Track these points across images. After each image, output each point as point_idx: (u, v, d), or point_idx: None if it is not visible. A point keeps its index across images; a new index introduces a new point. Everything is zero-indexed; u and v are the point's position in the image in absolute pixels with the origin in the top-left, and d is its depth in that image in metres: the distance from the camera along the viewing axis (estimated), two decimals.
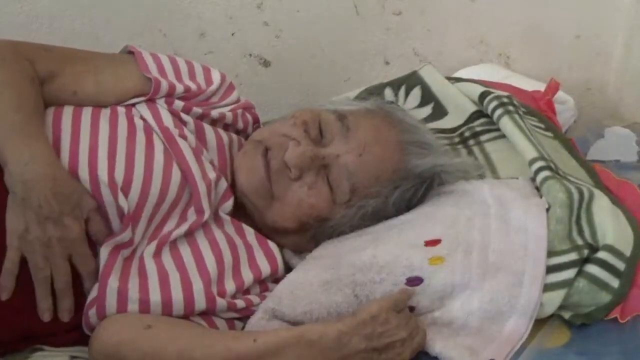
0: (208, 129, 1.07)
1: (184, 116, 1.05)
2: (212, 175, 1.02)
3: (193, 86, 1.08)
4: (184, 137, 1.02)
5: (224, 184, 1.04)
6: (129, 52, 1.10)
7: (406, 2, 1.67)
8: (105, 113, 1.02)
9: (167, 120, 1.03)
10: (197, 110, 1.07)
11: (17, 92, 0.96)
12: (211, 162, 1.04)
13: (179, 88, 1.06)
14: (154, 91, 1.04)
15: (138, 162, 0.97)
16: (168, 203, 0.98)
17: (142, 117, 1.03)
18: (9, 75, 0.97)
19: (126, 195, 0.94)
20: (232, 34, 1.62)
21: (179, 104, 1.05)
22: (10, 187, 0.90)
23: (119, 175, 0.95)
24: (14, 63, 0.99)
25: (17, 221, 0.89)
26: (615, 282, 0.97)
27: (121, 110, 1.03)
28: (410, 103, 1.36)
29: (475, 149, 1.24)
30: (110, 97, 1.04)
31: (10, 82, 0.96)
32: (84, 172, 0.94)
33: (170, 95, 1.05)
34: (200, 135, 1.06)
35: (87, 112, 1.01)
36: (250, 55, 1.65)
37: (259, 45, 1.64)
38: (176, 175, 0.99)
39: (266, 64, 1.66)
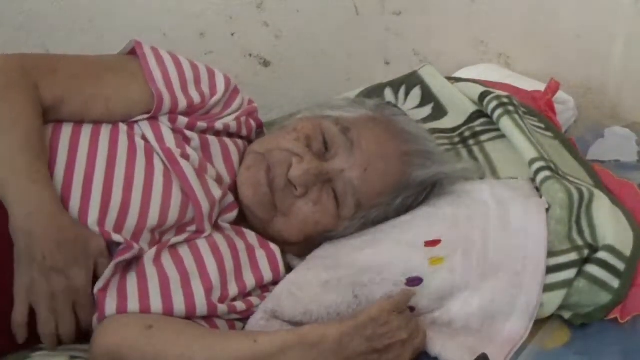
0: (213, 141, 1.06)
1: (188, 133, 1.03)
2: (217, 193, 1.01)
3: (197, 98, 1.05)
4: (187, 157, 1.00)
5: (229, 199, 1.03)
6: (133, 50, 1.07)
7: (406, 2, 1.67)
8: (105, 131, 0.99)
9: (169, 139, 1.01)
10: (202, 124, 1.05)
11: (25, 130, 0.93)
12: (217, 179, 1.03)
13: (182, 103, 1.03)
14: (156, 109, 1.01)
15: (136, 187, 0.95)
16: (169, 225, 0.98)
17: (143, 136, 1.01)
18: (18, 109, 0.94)
19: (120, 230, 0.93)
20: (232, 34, 1.62)
21: (182, 120, 1.03)
22: (13, 237, 0.88)
23: (114, 207, 0.93)
24: (23, 92, 0.95)
25: (23, 275, 0.87)
26: (615, 282, 0.97)
27: (123, 128, 1.00)
28: (410, 103, 1.36)
29: (475, 149, 1.24)
30: (118, 119, 1.01)
31: (19, 117, 0.93)
32: (75, 203, 0.93)
33: (173, 112, 1.03)
34: (205, 150, 1.04)
35: (86, 131, 0.99)
36: (250, 55, 1.65)
37: (259, 45, 1.64)
38: (176, 198, 0.98)
39: (266, 64, 1.66)
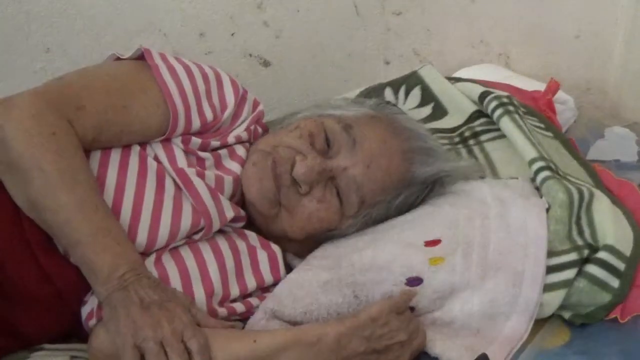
0: (224, 155, 1.05)
1: (201, 154, 1.02)
2: (229, 214, 1.00)
3: (210, 116, 1.03)
4: (202, 176, 0.99)
5: (240, 213, 1.03)
6: (141, 56, 1.03)
7: (406, 2, 1.67)
8: (116, 152, 0.97)
9: (182, 160, 0.99)
10: (215, 143, 1.04)
11: (88, 186, 0.90)
12: (232, 196, 1.03)
13: (196, 124, 1.01)
14: (170, 132, 1.00)
15: (145, 214, 0.95)
16: (178, 243, 0.98)
17: (155, 157, 0.99)
18: (73, 162, 0.90)
19: None
20: (232, 34, 1.62)
21: (195, 142, 1.01)
22: (103, 300, 0.86)
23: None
24: (67, 137, 0.91)
25: (123, 323, 0.84)
26: (615, 282, 0.97)
27: (135, 149, 0.99)
28: (410, 103, 1.36)
29: (475, 149, 1.24)
30: (136, 142, 1.00)
31: (77, 172, 0.90)
32: None
33: (186, 133, 1.01)
34: (219, 165, 1.04)
35: (95, 154, 0.96)
36: (250, 55, 1.65)
37: (259, 45, 1.64)
38: (186, 222, 0.97)
39: (266, 64, 1.66)
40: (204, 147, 1.03)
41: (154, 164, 0.98)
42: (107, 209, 0.91)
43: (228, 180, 1.02)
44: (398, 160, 1.04)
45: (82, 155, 0.92)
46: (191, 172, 0.98)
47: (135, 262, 0.88)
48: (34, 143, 0.88)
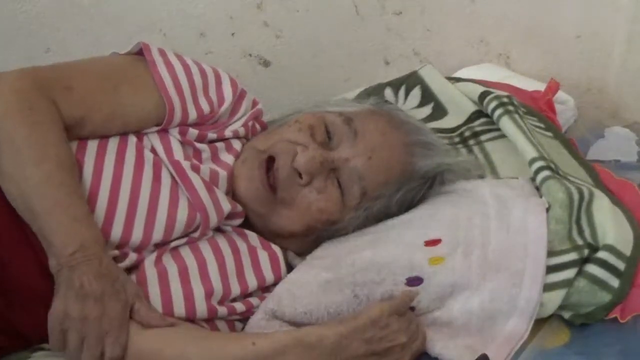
0: (221, 148, 1.05)
1: (198, 145, 1.02)
2: (226, 207, 1.00)
3: (206, 108, 1.04)
4: (197, 169, 0.99)
5: (237, 208, 1.03)
6: (140, 51, 1.04)
7: (406, 2, 1.67)
8: (113, 143, 0.98)
9: (178, 152, 1.00)
10: (212, 135, 1.04)
11: (57, 161, 0.90)
12: (227, 192, 1.03)
13: (192, 115, 1.02)
14: (167, 122, 1.00)
15: (141, 205, 0.95)
16: (173, 239, 0.98)
17: (152, 149, 1.00)
18: (45, 137, 0.91)
19: (123, 247, 0.93)
20: (232, 34, 1.62)
21: (193, 133, 1.02)
22: (54, 274, 0.87)
23: (118, 225, 0.93)
24: (46, 115, 0.92)
25: (57, 303, 0.85)
26: (615, 282, 0.97)
27: (132, 140, 0.99)
28: (410, 103, 1.36)
29: (476, 149, 1.24)
30: (131, 132, 1.00)
31: (48, 147, 0.91)
32: None
33: (183, 123, 1.02)
34: (215, 158, 1.04)
35: (92, 145, 0.97)
36: (250, 55, 1.65)
37: (259, 45, 1.64)
38: (182, 215, 0.97)
39: (266, 64, 1.66)
40: (201, 139, 1.03)
41: (151, 155, 0.99)
42: (75, 187, 0.91)
43: (223, 176, 1.02)
44: (399, 152, 1.04)
45: (59, 131, 0.93)
46: (187, 166, 0.98)
47: (88, 241, 0.88)
48: (10, 116, 0.91)
